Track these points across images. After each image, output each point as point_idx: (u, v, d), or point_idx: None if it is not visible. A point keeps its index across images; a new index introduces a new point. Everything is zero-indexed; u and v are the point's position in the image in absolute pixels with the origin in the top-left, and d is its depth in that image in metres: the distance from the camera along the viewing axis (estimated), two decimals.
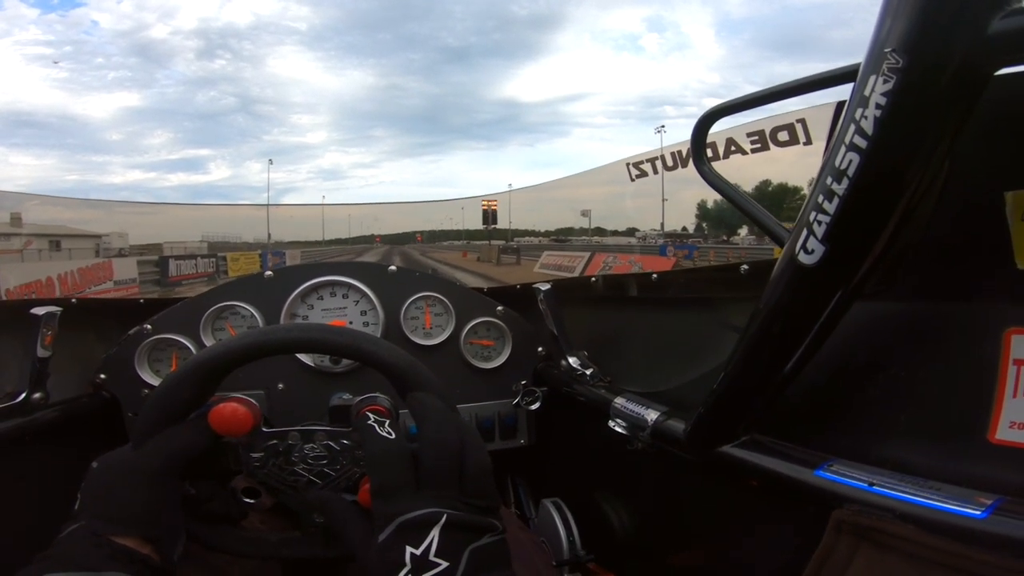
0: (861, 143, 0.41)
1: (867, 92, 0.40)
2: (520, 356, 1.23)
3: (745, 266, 0.76)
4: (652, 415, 0.79)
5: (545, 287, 1.12)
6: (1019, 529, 0.40)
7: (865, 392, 0.58)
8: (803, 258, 0.47)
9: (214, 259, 23.03)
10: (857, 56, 0.42)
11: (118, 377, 1.09)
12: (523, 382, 1.21)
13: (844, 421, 0.60)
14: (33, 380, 0.89)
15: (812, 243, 0.46)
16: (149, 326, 1.11)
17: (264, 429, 0.70)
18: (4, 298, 10.55)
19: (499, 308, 1.23)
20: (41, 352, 0.89)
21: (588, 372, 1.06)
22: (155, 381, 1.10)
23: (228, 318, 1.15)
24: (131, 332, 1.11)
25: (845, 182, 0.43)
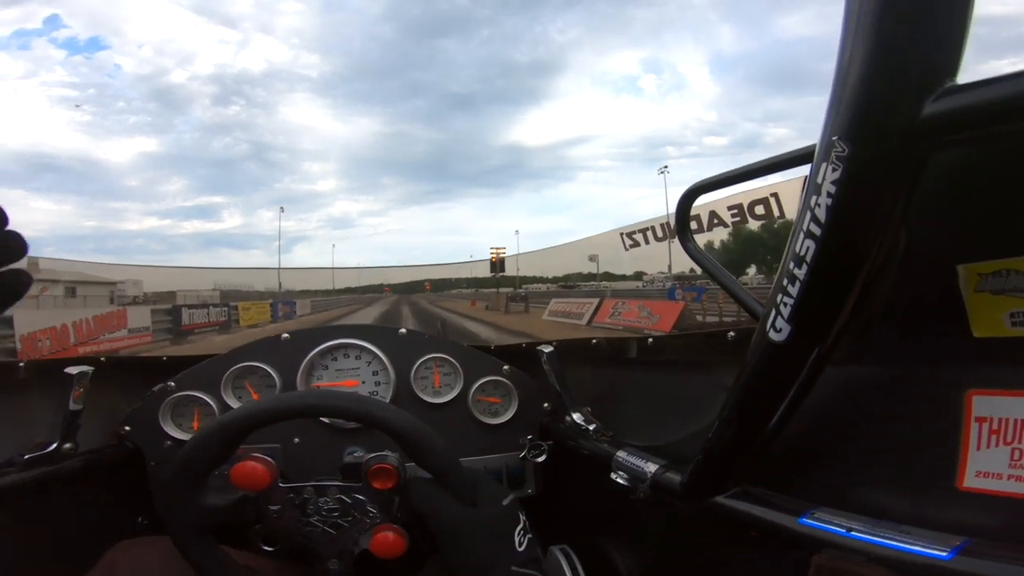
0: (816, 231, 0.46)
1: (819, 180, 0.44)
2: (526, 412, 1.27)
3: (732, 333, 0.82)
4: (651, 468, 0.82)
5: (548, 349, 1.17)
6: (983, 568, 0.42)
7: (844, 445, 0.63)
8: (773, 336, 0.52)
9: (226, 308, 23.17)
10: None
11: (142, 430, 1.16)
12: (529, 436, 1.24)
13: (826, 471, 0.63)
14: (64, 432, 0.96)
15: (780, 323, 0.51)
16: (173, 383, 1.17)
17: (281, 484, 0.77)
18: (19, 344, 10.77)
19: (505, 367, 1.28)
20: (72, 406, 0.97)
21: (591, 427, 1.09)
22: (177, 434, 1.16)
23: (248, 377, 1.21)
24: (155, 389, 1.17)
25: (804, 267, 0.47)
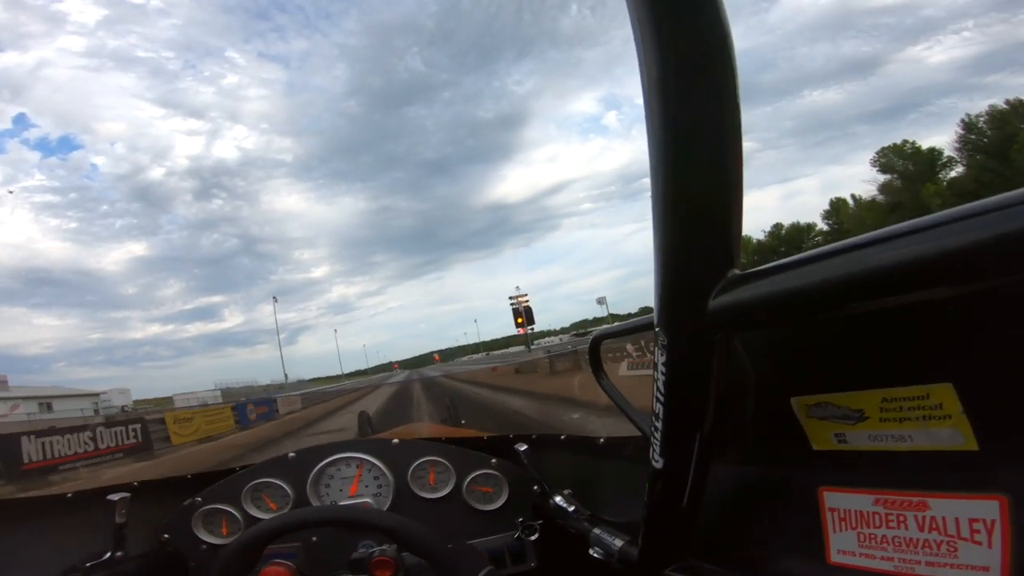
0: (661, 397, 0.61)
1: (656, 361, 0.60)
2: (517, 496, 1.37)
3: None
4: (617, 543, 0.93)
5: (523, 447, 1.31)
6: None
7: (749, 525, 0.76)
8: (655, 463, 0.67)
9: (138, 426, 15.94)
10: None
11: (180, 536, 1.34)
12: (520, 519, 1.34)
13: (742, 546, 0.76)
14: (115, 542, 1.15)
15: (655, 454, 0.66)
16: (200, 499, 1.35)
17: None
18: None
19: (493, 460, 1.40)
20: (119, 519, 1.16)
21: (571, 509, 1.20)
22: (210, 539, 1.34)
23: (265, 490, 1.37)
24: (186, 503, 1.35)
25: (659, 421, 0.63)
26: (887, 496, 0.60)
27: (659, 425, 0.64)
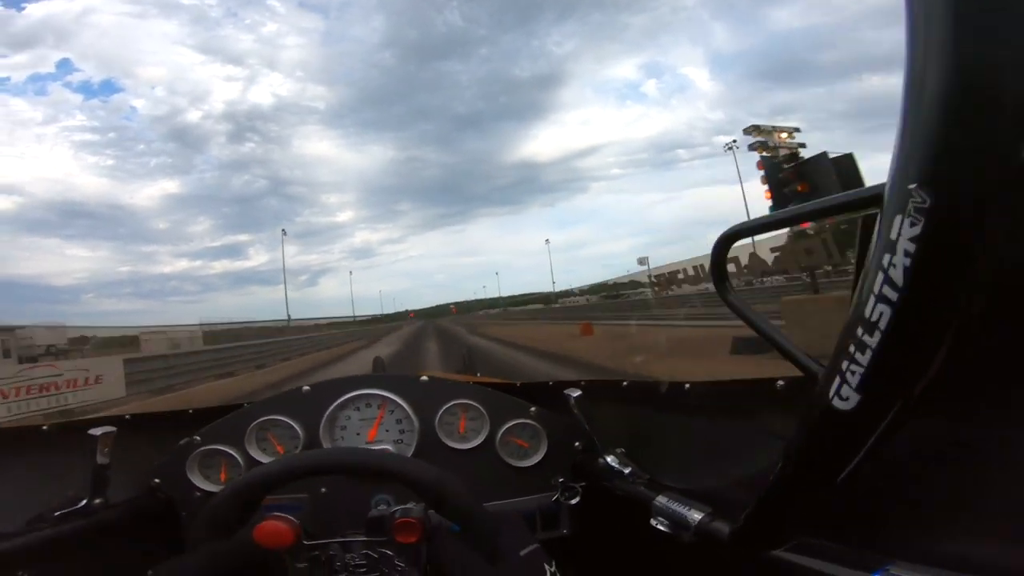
0: (891, 295, 0.38)
1: (893, 236, 0.36)
2: (557, 453, 1.22)
3: (781, 382, 0.76)
4: (696, 516, 0.76)
5: (576, 393, 1.12)
6: None
7: (914, 496, 0.58)
8: (838, 404, 0.44)
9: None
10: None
11: (172, 482, 1.18)
12: (561, 479, 1.19)
13: (902, 522, 0.58)
14: (94, 487, 0.99)
15: (846, 390, 0.43)
16: (199, 437, 1.19)
17: (306, 542, 0.78)
18: None
19: (532, 409, 1.24)
20: (100, 460, 0.99)
21: (626, 470, 1.05)
22: (205, 486, 1.17)
23: (271, 430, 1.21)
24: (182, 443, 1.19)
25: (877, 334, 0.39)
26: None
27: (872, 340, 0.40)
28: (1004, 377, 0.50)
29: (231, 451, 1.18)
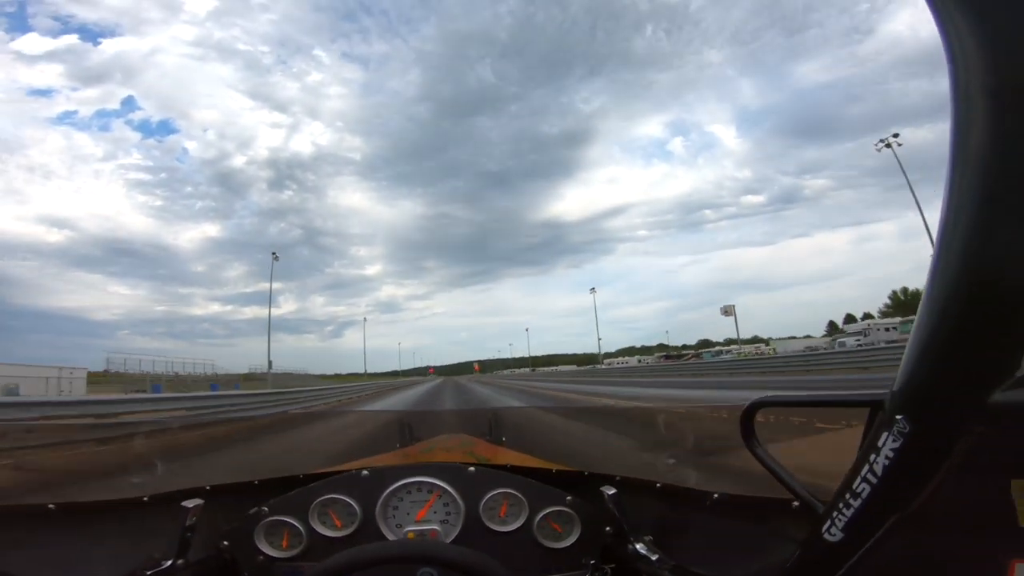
0: (872, 479, 0.56)
1: (879, 443, 0.54)
2: (588, 536, 1.32)
3: (796, 503, 0.85)
4: None
5: (611, 491, 1.25)
6: None
7: None
8: (830, 536, 0.62)
9: None
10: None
11: (239, 545, 1.33)
12: (592, 561, 1.29)
13: None
14: (179, 551, 1.17)
15: (833, 528, 0.61)
16: (267, 508, 1.33)
17: None
18: None
19: (568, 498, 1.35)
20: (187, 534, 1.18)
21: (654, 557, 1.14)
22: (270, 551, 1.32)
23: (332, 507, 1.35)
24: (251, 511, 1.34)
25: (859, 501, 0.57)
26: None
27: (855, 503, 0.59)
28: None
29: (295, 522, 1.32)
